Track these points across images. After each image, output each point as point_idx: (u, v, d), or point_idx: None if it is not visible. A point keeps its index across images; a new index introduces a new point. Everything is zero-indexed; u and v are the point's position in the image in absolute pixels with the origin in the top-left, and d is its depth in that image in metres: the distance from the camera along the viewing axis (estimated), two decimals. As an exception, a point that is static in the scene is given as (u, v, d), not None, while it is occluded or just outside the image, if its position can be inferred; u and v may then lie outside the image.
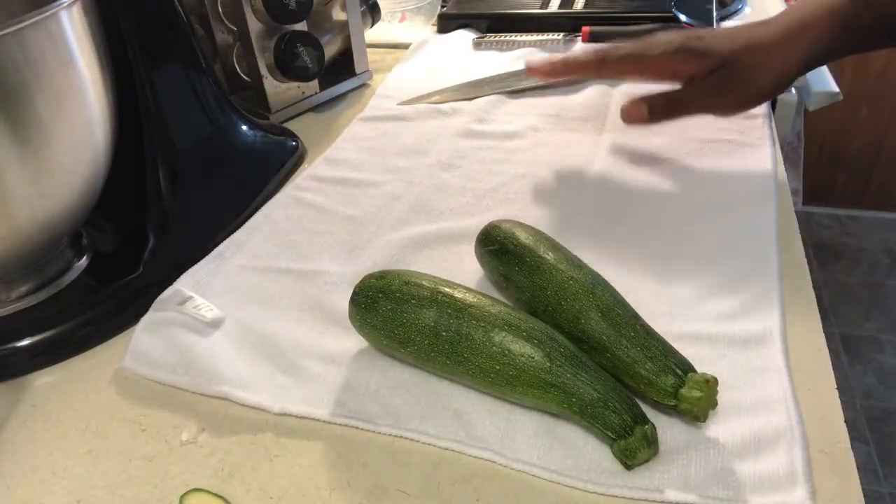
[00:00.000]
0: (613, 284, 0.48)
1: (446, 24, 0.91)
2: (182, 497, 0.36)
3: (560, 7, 0.88)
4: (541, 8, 0.88)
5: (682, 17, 0.80)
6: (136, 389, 0.44)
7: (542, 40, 0.84)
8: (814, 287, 0.46)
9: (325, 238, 0.55)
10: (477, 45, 0.86)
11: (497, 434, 0.38)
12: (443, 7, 0.94)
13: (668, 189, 0.57)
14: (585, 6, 0.87)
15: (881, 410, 1.54)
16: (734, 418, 0.37)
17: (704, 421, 0.36)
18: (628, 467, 0.35)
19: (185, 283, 0.50)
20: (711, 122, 0.65)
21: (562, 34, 0.84)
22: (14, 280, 0.49)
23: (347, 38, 0.77)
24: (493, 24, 0.89)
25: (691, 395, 0.35)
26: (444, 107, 0.73)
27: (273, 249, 0.54)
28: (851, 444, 0.36)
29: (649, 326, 0.39)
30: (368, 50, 0.81)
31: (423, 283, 0.41)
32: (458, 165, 0.63)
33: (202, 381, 0.42)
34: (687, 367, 0.37)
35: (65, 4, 0.41)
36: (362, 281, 0.42)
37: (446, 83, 0.77)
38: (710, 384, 0.36)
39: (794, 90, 0.80)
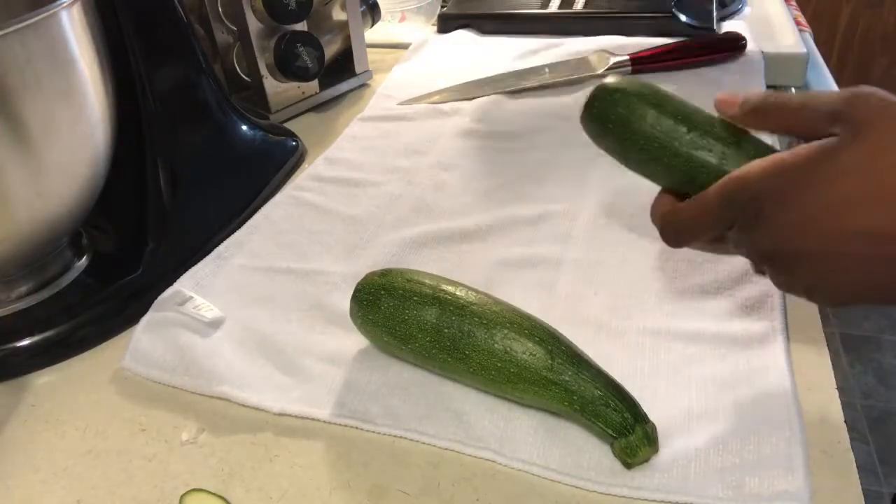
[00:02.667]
0: (615, 282, 0.48)
1: (446, 24, 0.91)
2: (182, 497, 0.36)
3: (560, 7, 0.88)
4: (541, 8, 0.88)
5: (683, 17, 0.79)
6: (136, 389, 0.44)
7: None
8: (814, 287, 0.46)
9: (326, 238, 0.55)
10: None
11: (497, 433, 0.38)
12: (443, 7, 0.94)
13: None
14: (585, 6, 0.87)
15: (881, 410, 1.54)
16: (734, 418, 0.37)
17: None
18: (628, 466, 0.35)
19: (185, 284, 0.50)
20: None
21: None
22: (14, 280, 0.49)
23: (347, 38, 0.77)
24: (494, 25, 0.89)
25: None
26: (444, 107, 0.73)
27: (273, 249, 0.54)
28: (851, 444, 0.36)
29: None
30: (368, 50, 0.81)
31: (426, 280, 0.41)
32: (458, 165, 0.63)
33: (202, 382, 0.42)
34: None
35: (65, 4, 0.41)
36: (365, 278, 0.42)
37: (446, 83, 0.77)
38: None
39: (793, 90, 0.80)
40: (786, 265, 0.33)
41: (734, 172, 0.33)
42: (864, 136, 0.30)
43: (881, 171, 0.30)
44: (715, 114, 0.37)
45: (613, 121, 0.38)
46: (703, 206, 0.35)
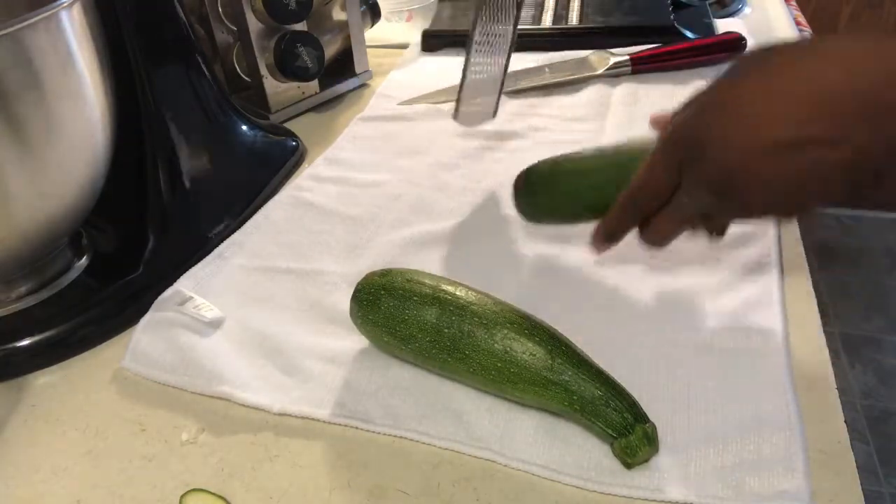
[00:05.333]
0: (616, 283, 0.48)
1: (431, 42, 0.86)
2: (182, 497, 0.36)
3: (553, 23, 0.84)
4: (532, 24, 0.85)
5: (688, 33, 0.78)
6: (136, 389, 0.44)
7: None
8: (814, 287, 0.46)
9: (326, 238, 0.55)
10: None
11: (497, 433, 0.38)
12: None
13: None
14: (580, 21, 0.84)
15: (881, 410, 1.54)
16: (734, 418, 0.37)
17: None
18: (628, 466, 0.35)
19: (185, 284, 0.50)
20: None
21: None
22: (14, 280, 0.49)
23: (347, 38, 0.77)
24: None
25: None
26: (444, 107, 0.73)
27: (273, 249, 0.54)
28: (851, 444, 0.36)
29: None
30: (370, 50, 0.81)
31: (426, 280, 0.41)
32: (458, 165, 0.63)
33: (202, 381, 0.42)
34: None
35: (65, 4, 0.41)
36: (365, 278, 0.42)
37: (446, 83, 0.77)
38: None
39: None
40: (740, 183, 0.33)
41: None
42: (761, 49, 0.33)
43: (786, 62, 0.31)
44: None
45: (538, 180, 0.47)
46: (650, 162, 0.37)
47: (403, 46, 0.89)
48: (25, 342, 0.46)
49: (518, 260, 0.51)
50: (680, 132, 0.35)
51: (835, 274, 1.92)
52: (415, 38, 0.89)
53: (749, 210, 0.35)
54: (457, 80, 0.77)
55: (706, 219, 0.40)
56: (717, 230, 0.41)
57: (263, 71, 0.70)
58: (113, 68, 0.48)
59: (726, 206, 0.35)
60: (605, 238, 0.43)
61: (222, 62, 0.74)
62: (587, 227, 0.53)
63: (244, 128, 0.63)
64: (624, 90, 0.72)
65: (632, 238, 0.51)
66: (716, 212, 0.37)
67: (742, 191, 0.33)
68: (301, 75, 0.71)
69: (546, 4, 0.88)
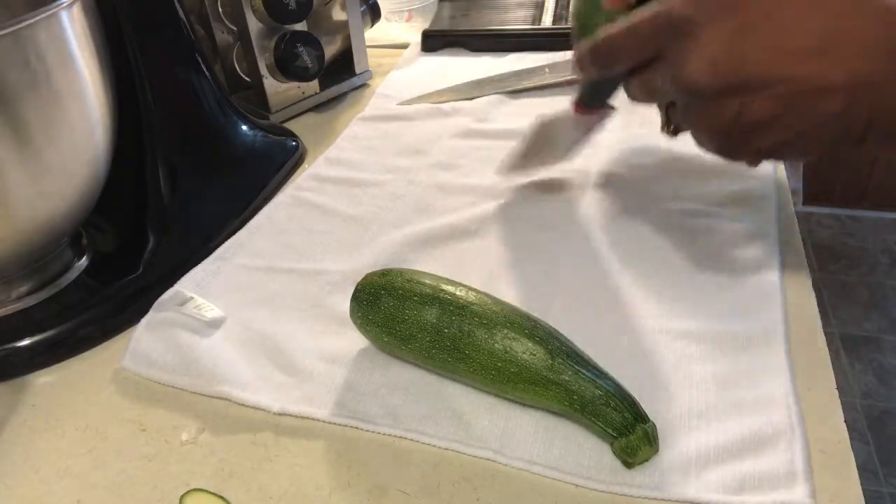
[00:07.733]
0: (616, 282, 0.48)
1: (431, 42, 0.87)
2: (182, 497, 0.36)
3: (553, 23, 0.85)
4: (532, 24, 0.85)
5: None
6: (136, 389, 0.44)
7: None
8: (814, 287, 0.46)
9: (326, 238, 0.55)
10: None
11: (497, 433, 0.38)
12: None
13: (668, 188, 0.57)
14: None
15: (881, 410, 1.54)
16: (734, 417, 0.37)
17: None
18: (629, 465, 0.35)
19: (185, 284, 0.50)
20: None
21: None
22: (14, 280, 0.49)
23: (347, 38, 0.77)
24: (483, 43, 0.85)
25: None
26: (445, 107, 0.73)
27: (274, 249, 0.54)
28: (851, 444, 0.36)
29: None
30: (370, 50, 0.81)
31: (426, 280, 0.41)
32: (458, 165, 0.63)
33: (202, 382, 0.42)
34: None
35: (65, 4, 0.41)
36: (364, 278, 0.42)
37: (446, 83, 0.77)
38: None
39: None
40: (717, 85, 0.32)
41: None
42: None
43: None
44: None
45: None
46: (636, 16, 0.35)
47: (403, 46, 0.89)
48: (25, 342, 0.46)
49: (518, 259, 0.51)
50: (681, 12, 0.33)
51: (835, 274, 1.92)
52: (415, 38, 0.90)
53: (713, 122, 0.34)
54: (455, 80, 0.77)
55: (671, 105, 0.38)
56: (674, 126, 0.42)
57: (263, 71, 0.70)
58: (113, 68, 0.48)
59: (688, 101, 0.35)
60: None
61: (222, 62, 0.74)
62: (587, 228, 0.53)
63: (244, 128, 0.63)
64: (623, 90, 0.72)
65: (632, 239, 0.52)
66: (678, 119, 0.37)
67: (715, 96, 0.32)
68: (301, 75, 0.71)
69: (546, 5, 0.88)
